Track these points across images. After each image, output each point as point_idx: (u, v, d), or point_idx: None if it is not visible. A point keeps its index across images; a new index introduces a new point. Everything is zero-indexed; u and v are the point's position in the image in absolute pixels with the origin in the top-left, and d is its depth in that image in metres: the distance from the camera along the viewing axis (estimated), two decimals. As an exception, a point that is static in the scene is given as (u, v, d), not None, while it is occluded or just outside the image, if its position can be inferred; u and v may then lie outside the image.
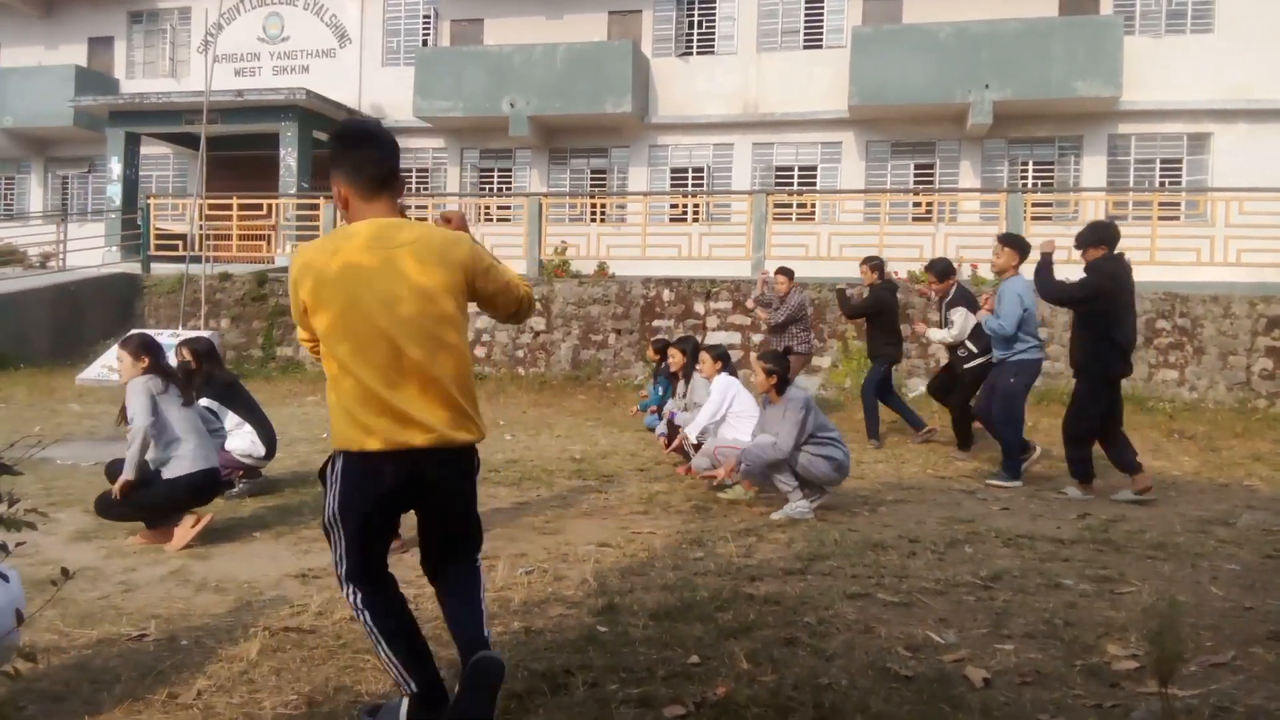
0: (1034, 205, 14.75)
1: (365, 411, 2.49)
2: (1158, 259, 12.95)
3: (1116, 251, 6.36)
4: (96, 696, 2.91)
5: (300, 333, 2.68)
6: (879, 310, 8.89)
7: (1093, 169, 16.98)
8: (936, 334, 8.11)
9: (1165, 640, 2.59)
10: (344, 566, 2.58)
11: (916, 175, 17.95)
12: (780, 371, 5.94)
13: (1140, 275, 12.42)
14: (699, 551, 4.78)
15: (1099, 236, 6.35)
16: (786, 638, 3.41)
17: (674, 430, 7.35)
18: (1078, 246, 6.48)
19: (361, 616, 2.57)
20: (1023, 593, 4.03)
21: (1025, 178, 17.39)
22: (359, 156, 2.58)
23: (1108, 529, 5.36)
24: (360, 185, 2.57)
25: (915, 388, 11.41)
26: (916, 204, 16.93)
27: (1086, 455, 6.49)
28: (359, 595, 2.57)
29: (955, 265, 8.42)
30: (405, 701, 2.57)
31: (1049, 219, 15.44)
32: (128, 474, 4.90)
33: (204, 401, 6.07)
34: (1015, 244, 7.11)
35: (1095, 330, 6.27)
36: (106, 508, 4.97)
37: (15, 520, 1.84)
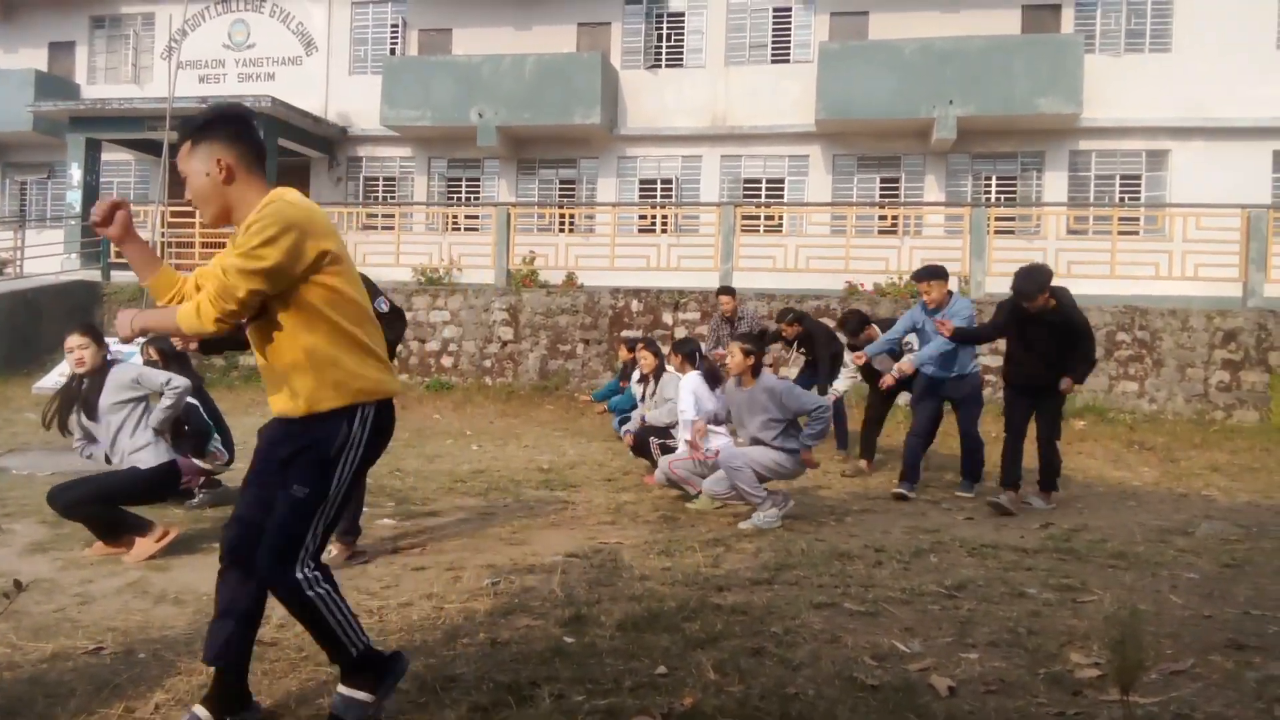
0: (997, 219, 14.99)
1: (377, 362, 2.68)
2: (1118, 273, 13.19)
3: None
4: (51, 711, 2.84)
5: (264, 285, 2.49)
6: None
7: (1054, 184, 17.26)
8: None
9: (1127, 648, 2.62)
10: (315, 544, 2.63)
11: (882, 189, 18.14)
12: (758, 354, 5.92)
13: (1101, 289, 12.76)
14: (666, 562, 4.77)
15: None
16: (753, 648, 3.41)
17: (645, 437, 7.32)
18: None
19: (319, 591, 2.60)
20: (987, 601, 4.07)
21: (989, 192, 17.63)
22: (254, 134, 2.67)
23: (1070, 538, 5.42)
24: (254, 160, 2.65)
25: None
26: (882, 217, 17.10)
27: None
28: (312, 566, 2.62)
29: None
30: (347, 688, 2.66)
31: (1012, 233, 15.70)
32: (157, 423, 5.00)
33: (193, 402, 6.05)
34: (941, 275, 7.16)
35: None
36: (69, 506, 4.75)
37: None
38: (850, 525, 5.84)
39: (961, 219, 14.60)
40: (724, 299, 9.62)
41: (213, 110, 2.65)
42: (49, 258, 17.49)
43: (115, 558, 4.76)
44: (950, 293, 7.11)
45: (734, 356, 5.93)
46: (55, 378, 12.60)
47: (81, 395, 4.98)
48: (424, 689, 3.00)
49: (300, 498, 2.57)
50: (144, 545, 4.77)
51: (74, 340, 4.95)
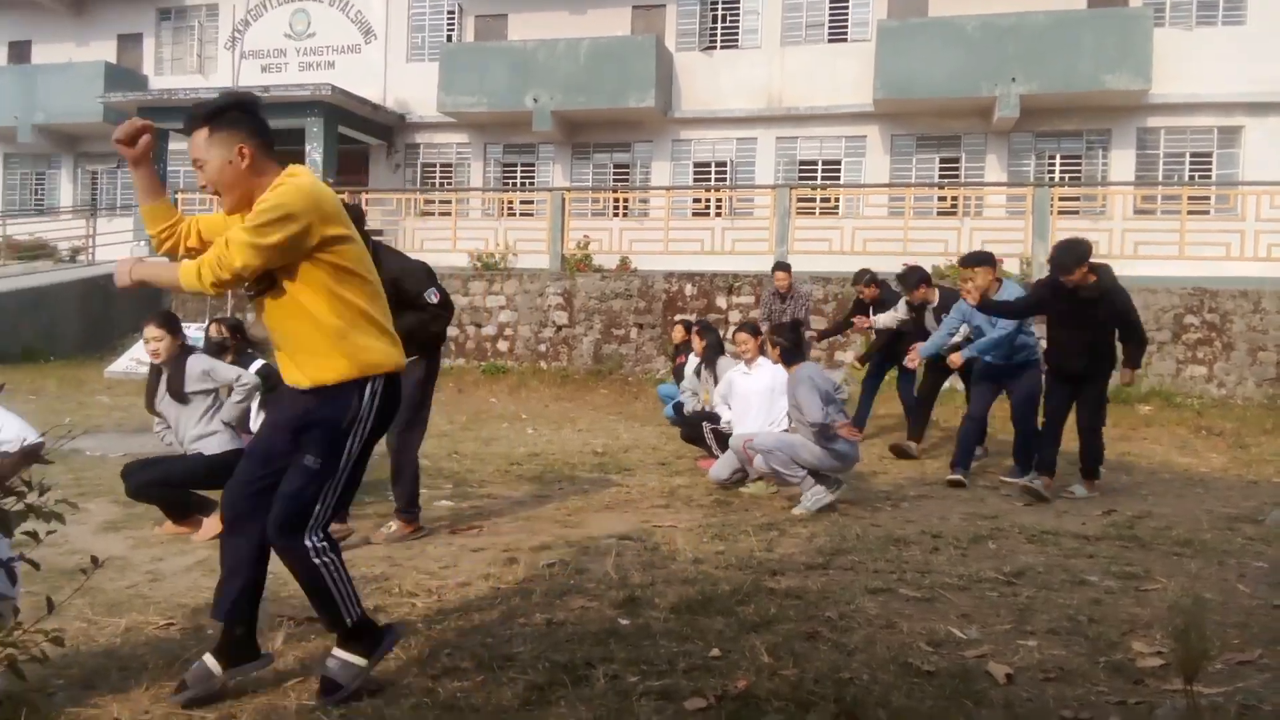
0: (1061, 199, 14.62)
1: (385, 336, 2.78)
2: (1187, 254, 12.81)
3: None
4: (124, 684, 2.95)
5: (262, 261, 2.59)
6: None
7: (1121, 163, 16.79)
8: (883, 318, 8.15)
9: (1191, 637, 2.57)
10: (325, 514, 2.72)
11: (942, 169, 17.83)
12: (786, 343, 5.92)
13: (1169, 270, 12.41)
14: (720, 545, 4.78)
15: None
16: (808, 632, 3.40)
17: (698, 423, 7.29)
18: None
19: (324, 560, 2.70)
20: (1046, 589, 4.00)
21: (1052, 172, 17.23)
22: (266, 122, 2.74)
23: (1133, 525, 5.31)
24: (270, 146, 2.73)
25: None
26: (942, 198, 16.82)
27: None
28: (326, 543, 2.72)
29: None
30: (342, 651, 2.77)
31: (1076, 213, 15.30)
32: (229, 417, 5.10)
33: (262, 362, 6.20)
34: (985, 261, 6.82)
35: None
36: (140, 488, 4.92)
37: (46, 511, 1.87)
38: (906, 511, 5.79)
39: (1024, 199, 14.29)
40: (779, 275, 9.54)
41: (228, 98, 2.73)
42: (119, 245, 18.03)
43: (184, 537, 4.91)
44: (999, 280, 6.88)
45: (768, 349, 6.00)
46: (127, 362, 13.02)
47: (167, 384, 5.10)
48: (481, 667, 3.05)
49: (312, 468, 2.67)
50: (210, 525, 4.91)
51: (150, 331, 5.10)
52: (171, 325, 5.12)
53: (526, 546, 4.76)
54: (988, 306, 6.47)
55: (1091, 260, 6.06)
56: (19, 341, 14.24)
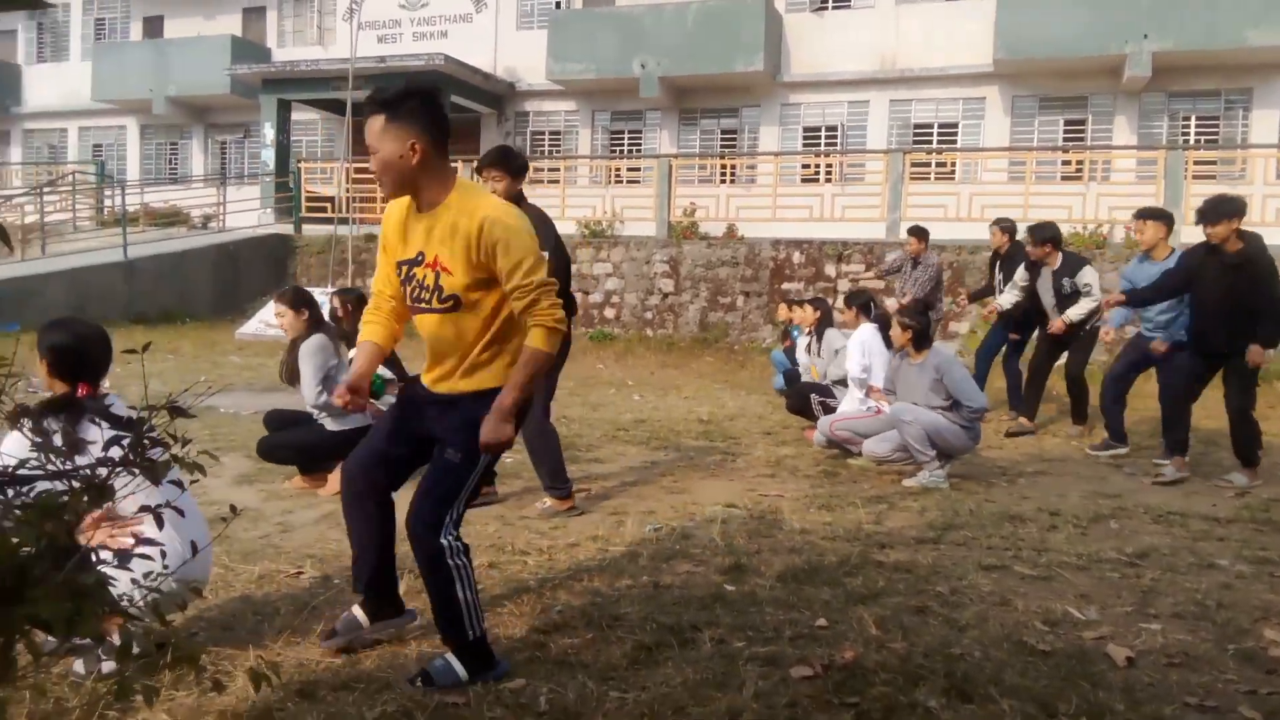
0: (1196, 163, 13.79)
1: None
2: (1337, 221, 11.95)
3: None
4: (259, 628, 3.14)
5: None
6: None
7: (1263, 124, 15.72)
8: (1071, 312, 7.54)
9: (1333, 627, 2.43)
10: (459, 512, 2.73)
11: (1066, 132, 17.05)
12: (917, 326, 5.76)
13: (1316, 238, 11.56)
14: (827, 516, 4.75)
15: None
16: (917, 606, 3.36)
17: (806, 394, 7.24)
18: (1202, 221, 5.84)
19: (457, 563, 2.69)
20: (1172, 571, 3.85)
21: (1186, 134, 16.27)
22: (445, 116, 2.71)
23: (1269, 508, 5.04)
24: (442, 143, 2.68)
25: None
26: (1065, 162, 16.10)
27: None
28: (461, 544, 2.72)
29: (1106, 228, 7.88)
30: (453, 657, 2.71)
31: (1213, 178, 14.41)
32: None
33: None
34: (1161, 217, 6.60)
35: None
36: (270, 449, 5.25)
37: (189, 462, 1.99)
38: (1023, 487, 5.63)
39: (1155, 163, 13.56)
40: (912, 240, 9.26)
41: (410, 89, 2.67)
42: (247, 212, 18.87)
43: (311, 491, 5.16)
44: (1173, 249, 6.51)
45: (894, 331, 5.83)
46: (256, 324, 13.66)
47: (285, 362, 5.32)
48: (590, 625, 3.13)
49: (455, 463, 2.69)
50: (335, 480, 5.14)
51: (276, 308, 5.34)
52: (294, 301, 5.24)
53: (633, 510, 4.83)
54: (1138, 298, 6.15)
55: (1241, 227, 5.68)
56: (157, 304, 15.09)
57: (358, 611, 2.97)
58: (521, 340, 2.69)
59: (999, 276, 8.27)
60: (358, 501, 2.90)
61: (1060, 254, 7.35)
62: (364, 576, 2.94)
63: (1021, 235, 8.08)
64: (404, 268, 2.75)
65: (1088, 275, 7.12)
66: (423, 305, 2.72)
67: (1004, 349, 8.33)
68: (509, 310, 2.69)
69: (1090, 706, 2.54)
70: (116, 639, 2.48)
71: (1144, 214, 6.71)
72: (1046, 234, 7.33)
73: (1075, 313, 7.06)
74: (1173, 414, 6.03)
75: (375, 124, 2.63)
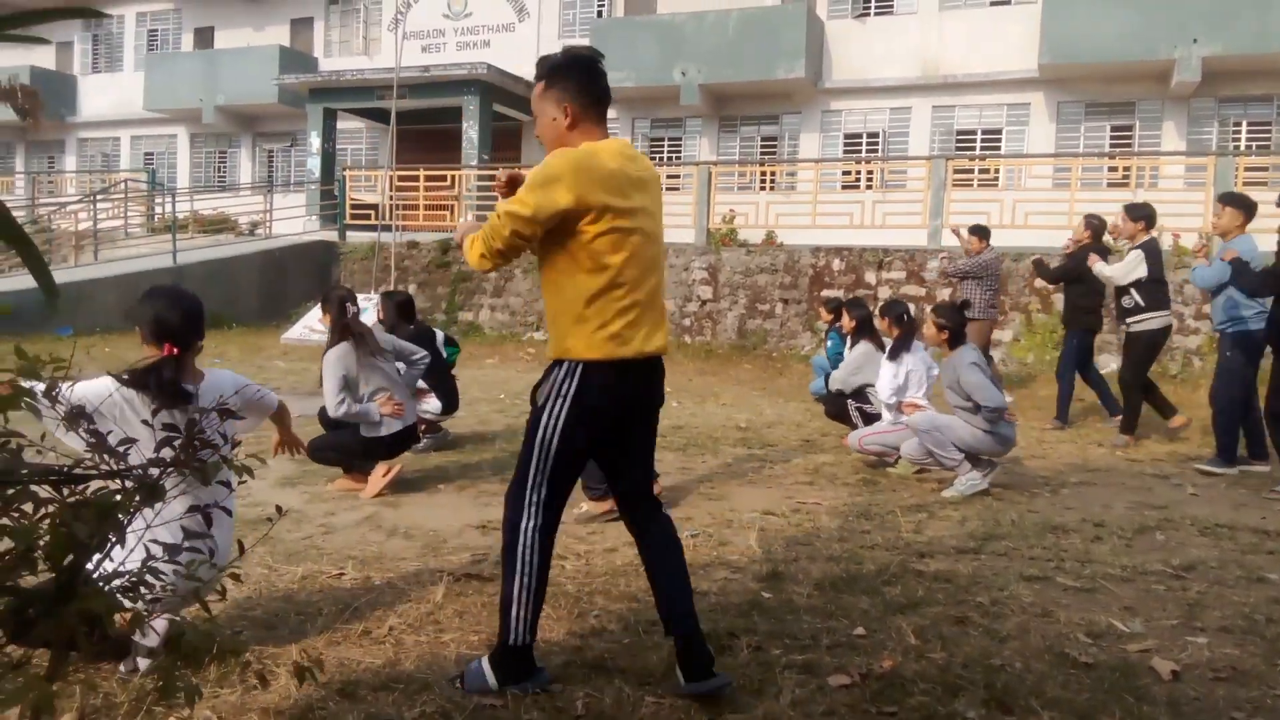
0: (1247, 170, 13.48)
1: (624, 322, 2.61)
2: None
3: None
4: (301, 627, 3.19)
5: (527, 229, 2.55)
6: (1080, 275, 7.99)
7: (1319, 128, 15.37)
8: (1102, 266, 7.40)
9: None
10: (541, 492, 2.62)
11: (1113, 138, 16.79)
12: (951, 325, 5.70)
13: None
14: (866, 525, 4.72)
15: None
16: (957, 616, 3.33)
17: (843, 401, 7.19)
18: None
19: (524, 543, 2.61)
20: (1220, 584, 3.77)
21: (1237, 140, 15.94)
22: (600, 81, 2.73)
23: (1322, 523, 4.92)
24: (595, 108, 2.72)
25: (1106, 364, 10.73)
26: (1112, 169, 15.84)
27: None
28: (539, 521, 2.63)
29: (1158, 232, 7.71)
30: (487, 663, 2.67)
31: (1264, 184, 14.07)
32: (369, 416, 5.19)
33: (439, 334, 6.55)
34: (1239, 203, 6.40)
35: None
36: (316, 450, 5.27)
37: (238, 464, 2.04)
38: (1066, 497, 5.54)
39: (1204, 170, 13.30)
40: (973, 239, 9.16)
41: (566, 54, 2.76)
42: (293, 219, 19.18)
43: (353, 494, 5.23)
44: (1244, 231, 6.31)
45: (928, 329, 5.79)
46: (301, 329, 13.87)
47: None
48: (627, 630, 3.14)
49: (524, 441, 2.71)
50: (374, 482, 5.23)
51: (317, 313, 5.57)
52: (327, 308, 5.37)
53: (671, 517, 4.82)
54: (1241, 277, 5.89)
55: None
56: (205, 309, 15.35)
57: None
58: (587, 325, 2.60)
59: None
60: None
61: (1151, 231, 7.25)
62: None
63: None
64: None
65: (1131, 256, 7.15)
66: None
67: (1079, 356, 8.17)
68: (575, 278, 2.60)
69: (1134, 721, 2.50)
70: (139, 637, 2.55)
71: (1224, 199, 6.49)
72: (1142, 212, 7.28)
73: (1110, 271, 7.00)
74: (1234, 419, 5.90)
75: (537, 90, 2.74)
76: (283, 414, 3.50)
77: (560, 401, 2.62)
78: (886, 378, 6.34)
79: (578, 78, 2.70)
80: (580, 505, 4.87)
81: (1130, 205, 7.42)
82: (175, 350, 2.98)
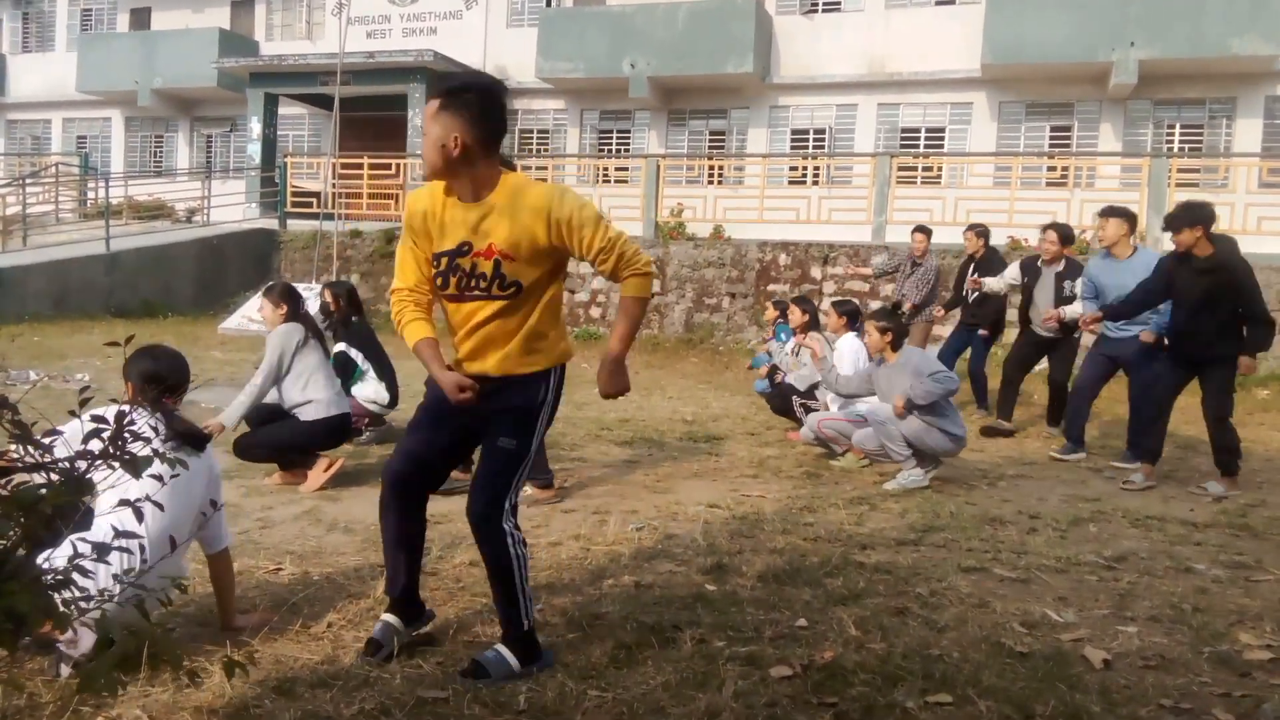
0: (1180, 171, 13.88)
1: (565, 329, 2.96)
2: (1317, 229, 12.07)
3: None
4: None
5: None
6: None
7: (1247, 133, 15.87)
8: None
9: (1305, 631, 2.46)
10: (515, 498, 2.79)
11: (1052, 138, 17.16)
12: (895, 329, 5.82)
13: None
14: (809, 517, 4.76)
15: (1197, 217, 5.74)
16: (897, 607, 3.38)
17: (788, 396, 7.26)
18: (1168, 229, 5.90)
19: (518, 551, 2.75)
20: (1149, 575, 3.88)
21: (1171, 142, 16.40)
22: (498, 115, 2.71)
23: (1246, 514, 5.09)
24: (491, 141, 2.68)
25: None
26: (1051, 168, 16.19)
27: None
28: (520, 534, 2.79)
29: (1090, 235, 7.94)
30: (505, 648, 2.76)
31: (1195, 185, 14.51)
32: (230, 420, 4.92)
33: (342, 347, 6.36)
34: (1123, 215, 6.63)
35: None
36: (245, 449, 5.23)
37: (170, 457, 1.99)
38: (1003, 490, 5.66)
39: (1139, 171, 13.66)
40: (918, 237, 9.26)
41: (469, 81, 2.72)
42: (232, 207, 18.74)
43: (292, 487, 5.14)
44: (1135, 246, 6.56)
45: (870, 335, 5.87)
46: (239, 319, 13.57)
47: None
48: (572, 624, 3.13)
49: (510, 450, 2.74)
50: (314, 477, 5.14)
51: (260, 301, 5.52)
52: (276, 296, 5.33)
53: (616, 510, 4.83)
54: (1115, 312, 6.17)
55: (1214, 232, 5.70)
56: (138, 297, 14.98)
57: (391, 618, 2.91)
58: (562, 330, 2.87)
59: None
60: (400, 506, 2.87)
61: (1065, 258, 7.38)
62: (401, 582, 2.91)
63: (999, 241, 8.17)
64: (444, 259, 2.73)
65: (1089, 271, 7.18)
66: (477, 294, 2.72)
67: (969, 351, 8.46)
68: (557, 292, 2.82)
69: (1067, 708, 2.56)
70: (65, 646, 2.48)
71: (1106, 212, 6.71)
72: (1070, 232, 7.43)
73: (1072, 311, 7.08)
74: (1147, 421, 6.02)
75: (432, 106, 2.70)
76: (221, 568, 3.13)
77: (550, 409, 2.86)
78: (849, 362, 6.52)
79: (476, 111, 2.65)
80: (526, 488, 4.89)
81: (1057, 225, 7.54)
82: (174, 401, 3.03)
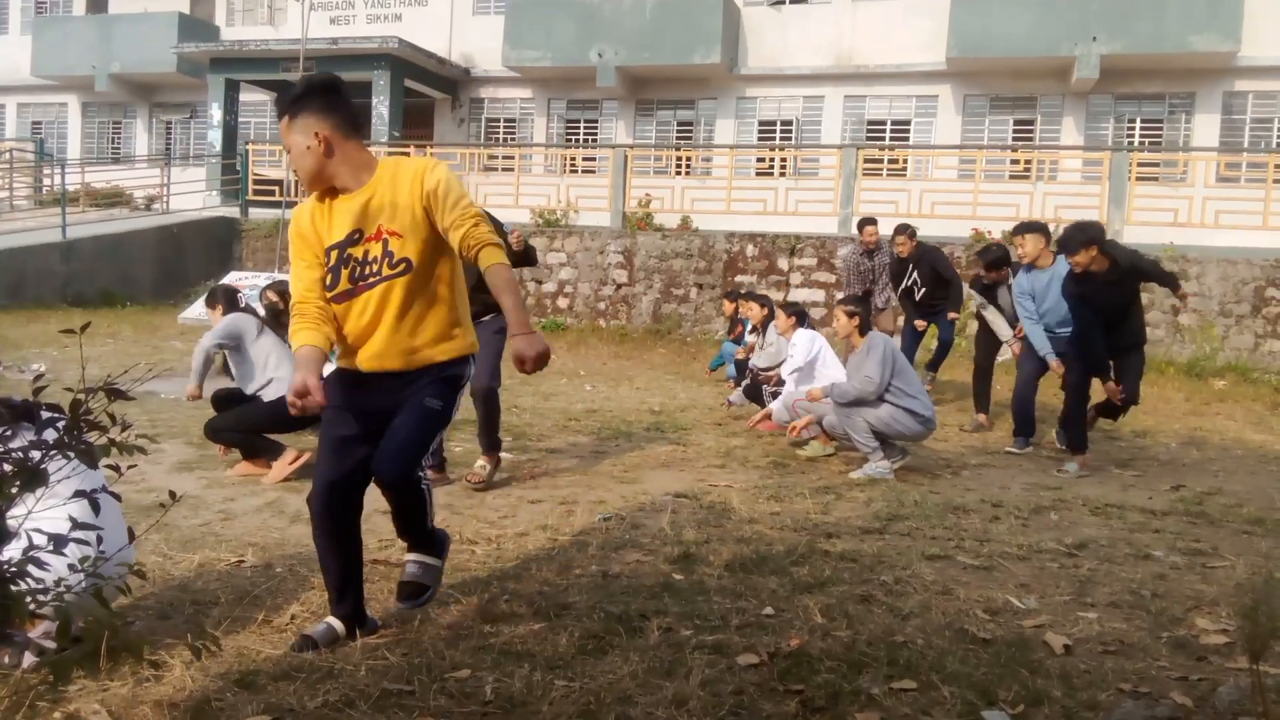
0: (1140, 165, 14.09)
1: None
2: (1270, 224, 12.33)
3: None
4: (197, 617, 3.07)
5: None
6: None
7: (1205, 128, 16.14)
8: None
9: (1259, 615, 2.50)
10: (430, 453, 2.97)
11: (1016, 131, 17.34)
12: (862, 313, 5.90)
13: (1251, 240, 11.97)
14: (775, 506, 4.78)
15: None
16: (862, 595, 3.40)
17: (755, 384, 7.31)
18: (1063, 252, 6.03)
19: (426, 485, 2.88)
20: (1109, 562, 3.94)
21: (1132, 136, 16.64)
22: (346, 103, 2.79)
23: (1202, 501, 5.18)
24: (350, 128, 2.78)
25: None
26: (1014, 161, 16.37)
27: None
28: (423, 471, 2.91)
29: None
30: (420, 554, 2.96)
31: (1155, 179, 14.76)
32: (191, 386, 5.43)
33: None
34: (1041, 230, 6.72)
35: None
36: (216, 431, 5.23)
37: (127, 445, 1.94)
38: (967, 479, 5.72)
39: (1101, 164, 13.85)
40: (868, 229, 9.34)
41: (304, 83, 2.78)
42: (192, 194, 18.43)
43: (254, 478, 5.07)
44: (1053, 254, 6.68)
45: (839, 320, 5.96)
46: (199, 309, 13.34)
47: None
48: (538, 614, 3.12)
49: (436, 409, 2.81)
50: (279, 468, 5.08)
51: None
52: (212, 301, 5.68)
53: (583, 500, 4.82)
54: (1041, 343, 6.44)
55: (1106, 240, 5.84)
56: (96, 286, 14.70)
57: (335, 623, 2.91)
58: (469, 318, 2.95)
59: (914, 278, 8.46)
60: (332, 530, 2.88)
61: (1009, 270, 7.47)
62: (349, 596, 2.93)
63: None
64: (335, 253, 2.77)
65: (1020, 283, 7.29)
66: (372, 279, 2.75)
67: (932, 335, 8.70)
68: (452, 279, 2.85)
69: (1028, 693, 2.59)
70: (34, 636, 2.42)
71: (1021, 229, 6.77)
72: (997, 256, 7.53)
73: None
74: (1075, 412, 6.17)
75: (283, 125, 2.76)
76: None
77: (461, 394, 2.94)
78: (803, 350, 6.75)
79: (325, 104, 2.74)
80: (479, 463, 5.15)
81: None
82: None
